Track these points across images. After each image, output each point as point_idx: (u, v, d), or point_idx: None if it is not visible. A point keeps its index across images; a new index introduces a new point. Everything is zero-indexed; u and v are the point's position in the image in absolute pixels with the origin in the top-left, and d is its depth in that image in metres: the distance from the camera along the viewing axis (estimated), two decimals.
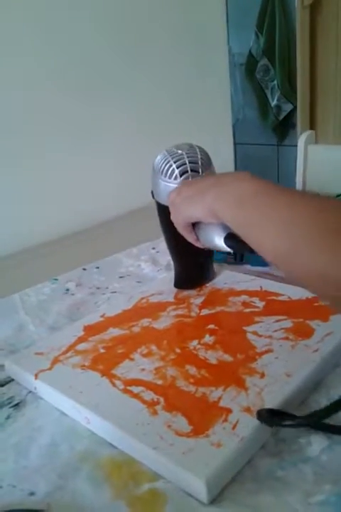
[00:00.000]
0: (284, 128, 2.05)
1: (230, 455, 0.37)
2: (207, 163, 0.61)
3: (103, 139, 1.19)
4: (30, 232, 1.04)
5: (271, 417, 0.40)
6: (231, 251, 0.51)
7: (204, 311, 0.61)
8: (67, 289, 0.78)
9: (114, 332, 0.58)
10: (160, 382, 0.47)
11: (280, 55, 1.99)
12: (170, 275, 0.72)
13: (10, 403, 0.50)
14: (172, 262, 0.71)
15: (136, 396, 0.45)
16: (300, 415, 0.41)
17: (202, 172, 0.59)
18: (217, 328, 0.56)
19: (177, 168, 0.59)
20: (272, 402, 0.41)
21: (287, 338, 0.52)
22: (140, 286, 0.75)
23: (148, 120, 1.27)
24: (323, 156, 1.30)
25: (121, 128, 1.22)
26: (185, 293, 0.67)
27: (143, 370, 0.49)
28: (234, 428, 0.39)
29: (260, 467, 0.38)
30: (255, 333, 0.54)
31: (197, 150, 0.61)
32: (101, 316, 0.62)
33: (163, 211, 0.60)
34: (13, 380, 0.54)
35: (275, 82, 2.04)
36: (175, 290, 0.68)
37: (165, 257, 0.85)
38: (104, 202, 1.19)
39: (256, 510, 0.34)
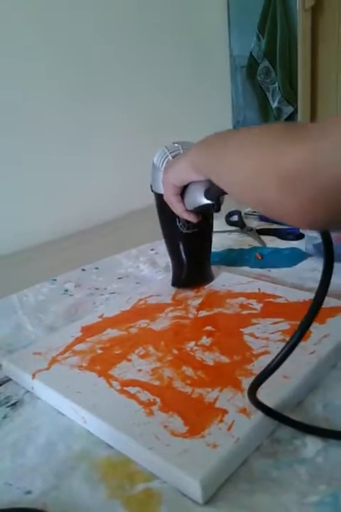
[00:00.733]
0: None
1: (225, 456, 0.37)
2: None
3: (103, 139, 1.19)
4: (29, 232, 1.05)
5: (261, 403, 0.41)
6: (211, 202, 0.54)
7: (202, 313, 0.61)
8: (66, 290, 0.78)
9: (112, 333, 0.58)
10: (156, 382, 0.47)
11: (281, 58, 2.00)
12: (168, 276, 0.72)
13: (7, 403, 0.50)
14: (170, 263, 0.71)
15: (132, 396, 0.45)
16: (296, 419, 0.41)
17: None
18: (214, 329, 0.57)
19: (170, 153, 0.62)
20: (268, 403, 0.42)
21: (284, 340, 0.52)
22: (138, 287, 0.75)
23: (148, 121, 1.27)
24: None
25: (121, 129, 1.23)
26: (183, 294, 0.67)
27: (140, 370, 0.49)
28: (229, 429, 0.39)
29: (255, 468, 0.38)
30: (252, 334, 0.54)
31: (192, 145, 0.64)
32: (99, 317, 0.62)
33: (159, 200, 0.63)
34: (10, 379, 0.54)
35: (276, 84, 2.04)
36: (173, 292, 0.68)
37: (164, 259, 0.85)
38: (103, 203, 1.19)
39: (251, 510, 0.34)
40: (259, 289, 0.66)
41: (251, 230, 0.98)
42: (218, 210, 0.56)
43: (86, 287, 0.78)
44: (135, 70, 1.24)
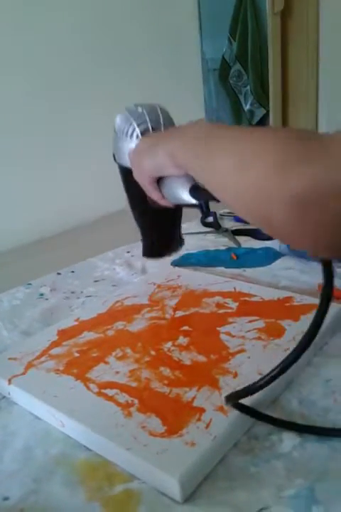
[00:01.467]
0: None
1: (204, 453, 0.37)
2: (169, 122, 0.59)
3: (77, 142, 1.19)
4: (3, 236, 1.03)
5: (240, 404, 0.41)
6: (197, 202, 0.48)
7: (179, 313, 0.61)
8: (41, 294, 0.77)
9: (89, 336, 0.58)
10: (134, 384, 0.47)
11: (252, 61, 2.03)
12: (145, 278, 0.72)
13: None
14: (147, 265, 0.71)
15: (110, 399, 0.45)
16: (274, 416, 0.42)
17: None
18: (191, 329, 0.57)
19: (138, 126, 0.57)
20: (244, 400, 0.42)
21: (259, 338, 0.53)
22: (115, 289, 0.75)
23: None
24: None
25: (96, 131, 1.22)
26: (160, 295, 0.67)
27: (117, 372, 0.49)
28: (207, 427, 0.40)
29: (233, 465, 0.38)
30: (228, 333, 0.55)
31: (158, 109, 0.59)
32: (76, 320, 0.62)
33: (126, 174, 0.58)
34: None
35: (248, 87, 2.07)
36: (149, 292, 0.68)
37: (140, 261, 0.85)
38: (79, 206, 1.19)
39: (230, 506, 0.35)
40: (235, 288, 0.66)
41: (227, 230, 0.98)
42: (207, 213, 0.49)
43: (62, 291, 0.78)
44: (107, 71, 1.24)
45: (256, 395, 0.43)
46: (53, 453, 0.42)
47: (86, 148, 1.21)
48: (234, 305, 0.62)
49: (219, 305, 0.62)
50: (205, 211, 0.49)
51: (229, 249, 0.90)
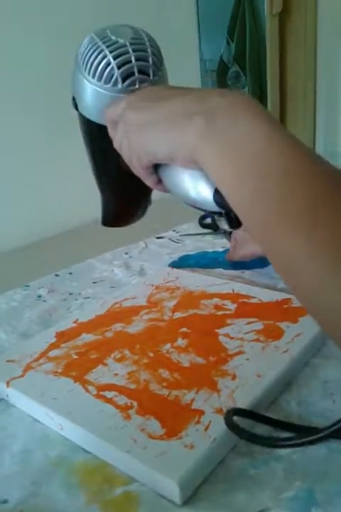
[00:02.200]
0: None
1: (203, 456, 0.37)
2: (160, 60, 0.43)
3: (76, 143, 1.18)
4: (0, 238, 1.03)
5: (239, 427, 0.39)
6: (222, 210, 0.37)
7: (177, 315, 0.61)
8: (39, 296, 0.77)
9: (87, 338, 0.58)
10: (133, 386, 0.47)
11: (250, 62, 2.02)
12: (143, 280, 0.72)
13: None
14: (145, 267, 0.71)
15: (109, 401, 0.45)
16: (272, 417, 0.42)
17: (153, 75, 0.42)
18: (189, 331, 0.57)
19: (119, 67, 0.38)
20: (243, 402, 0.42)
21: (258, 340, 0.53)
22: (113, 291, 0.75)
23: None
24: None
25: None
26: (158, 296, 0.67)
27: (116, 374, 0.49)
28: (206, 429, 0.40)
29: (232, 467, 0.38)
30: (227, 335, 0.55)
31: (145, 38, 0.42)
32: (74, 322, 0.62)
33: (91, 129, 0.43)
34: None
35: (246, 88, 2.07)
36: (147, 294, 0.68)
37: (138, 262, 0.85)
38: (76, 206, 1.18)
39: (229, 508, 0.35)
40: (233, 290, 0.66)
41: (225, 232, 0.98)
42: (237, 224, 0.38)
43: (60, 292, 0.78)
44: None
45: (254, 397, 0.43)
46: (52, 455, 0.42)
47: (85, 150, 1.21)
48: (233, 307, 0.62)
49: (217, 307, 0.62)
50: (234, 224, 0.39)
51: (228, 250, 0.90)
